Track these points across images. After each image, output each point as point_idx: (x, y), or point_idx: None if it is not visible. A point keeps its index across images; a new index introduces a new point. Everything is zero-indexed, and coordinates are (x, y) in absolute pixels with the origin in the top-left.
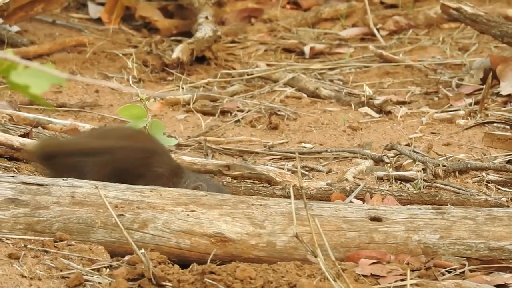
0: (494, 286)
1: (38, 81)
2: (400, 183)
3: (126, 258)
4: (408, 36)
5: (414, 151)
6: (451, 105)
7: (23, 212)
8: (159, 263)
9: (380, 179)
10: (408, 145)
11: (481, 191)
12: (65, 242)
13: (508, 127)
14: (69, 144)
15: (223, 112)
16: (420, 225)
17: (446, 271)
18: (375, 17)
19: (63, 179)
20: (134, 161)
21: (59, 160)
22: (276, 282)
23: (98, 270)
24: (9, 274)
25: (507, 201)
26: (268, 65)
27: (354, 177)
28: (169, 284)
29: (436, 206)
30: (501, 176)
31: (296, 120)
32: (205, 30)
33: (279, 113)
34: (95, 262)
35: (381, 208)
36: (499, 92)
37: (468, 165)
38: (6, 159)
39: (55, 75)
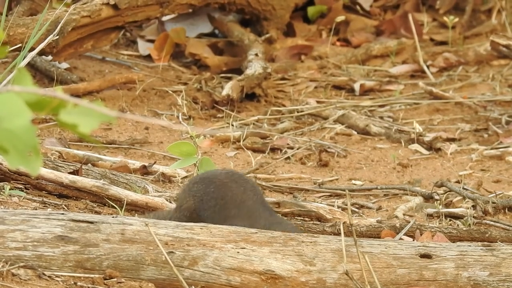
0: None
1: (87, 120)
2: (450, 220)
3: None
4: (458, 73)
5: (464, 188)
6: (501, 142)
7: (72, 250)
8: None
9: (430, 216)
10: (458, 182)
11: None
12: (115, 279)
13: None
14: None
15: (273, 149)
16: (469, 262)
17: None
18: (425, 54)
19: (113, 216)
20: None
21: None
22: None
23: None
24: None
25: None
26: (318, 102)
27: (404, 214)
28: None
29: (485, 243)
30: None
31: (346, 157)
32: (255, 67)
33: (329, 150)
34: None
35: (431, 245)
36: None
37: None
38: (55, 196)
39: (105, 113)
